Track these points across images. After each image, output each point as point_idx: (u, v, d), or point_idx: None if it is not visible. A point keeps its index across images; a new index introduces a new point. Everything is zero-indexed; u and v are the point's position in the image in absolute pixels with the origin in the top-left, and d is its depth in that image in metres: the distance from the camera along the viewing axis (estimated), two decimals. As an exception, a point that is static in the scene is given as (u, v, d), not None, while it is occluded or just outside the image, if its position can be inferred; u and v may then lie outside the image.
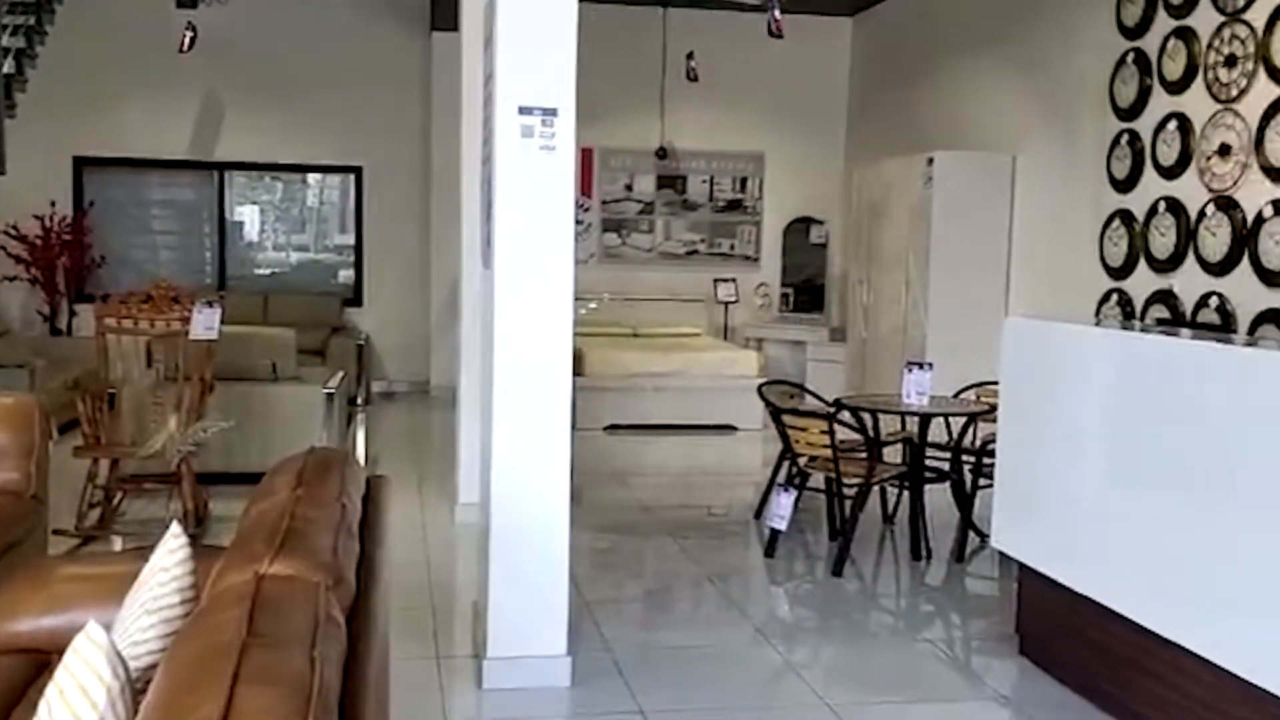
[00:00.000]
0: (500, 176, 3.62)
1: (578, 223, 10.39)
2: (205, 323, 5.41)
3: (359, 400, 8.48)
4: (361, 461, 7.04)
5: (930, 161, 7.94)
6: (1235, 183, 5.68)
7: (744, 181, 10.91)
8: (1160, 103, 6.24)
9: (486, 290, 3.88)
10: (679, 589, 5.14)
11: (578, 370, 8.78)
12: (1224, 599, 3.04)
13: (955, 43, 8.72)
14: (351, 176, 10.67)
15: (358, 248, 10.73)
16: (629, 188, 10.77)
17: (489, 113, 3.82)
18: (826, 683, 3.98)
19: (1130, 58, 6.47)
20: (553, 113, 3.57)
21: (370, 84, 10.35)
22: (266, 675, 1.40)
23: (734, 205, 10.93)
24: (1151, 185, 6.30)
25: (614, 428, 8.85)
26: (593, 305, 10.50)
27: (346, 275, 10.81)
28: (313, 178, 10.85)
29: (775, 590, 5.24)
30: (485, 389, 3.88)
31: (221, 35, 9.59)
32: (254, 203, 10.87)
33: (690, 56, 9.68)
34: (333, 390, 6.58)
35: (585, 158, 10.57)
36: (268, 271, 10.79)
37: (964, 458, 5.62)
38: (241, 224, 10.79)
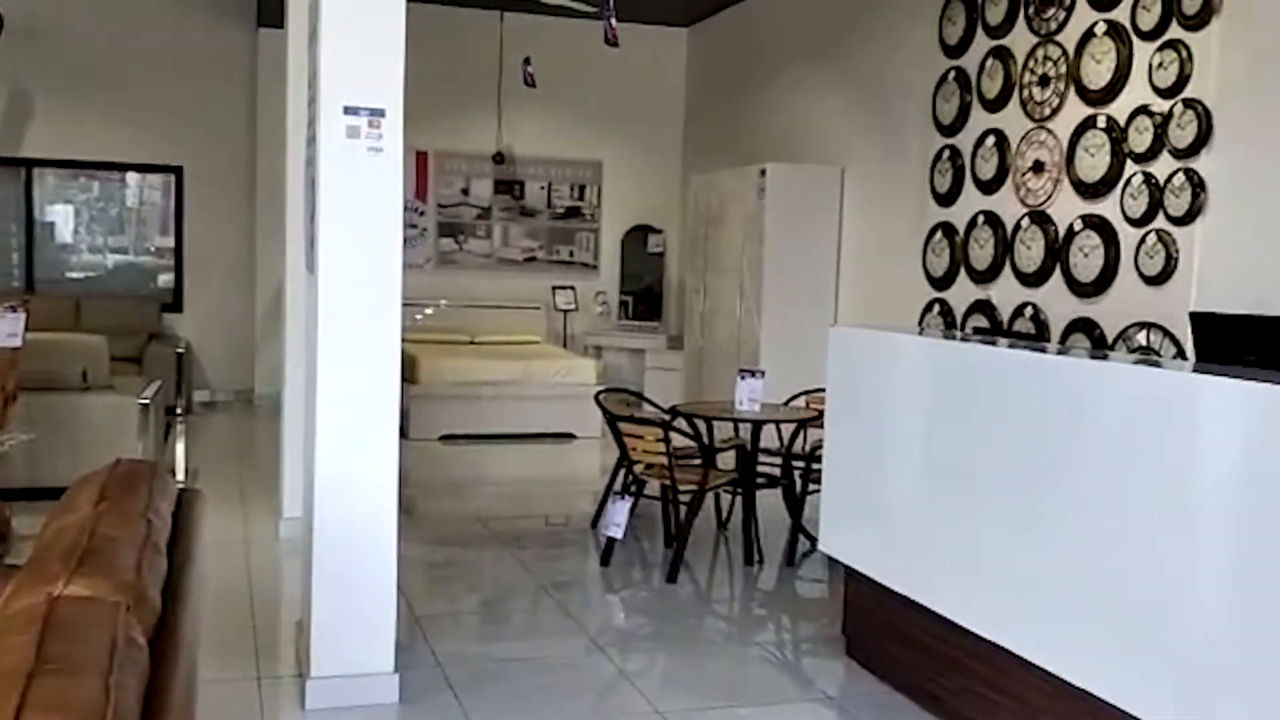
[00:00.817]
0: (324, 178, 3.50)
1: (412, 227, 10.36)
2: (7, 329, 5.08)
3: (178, 410, 8.11)
4: (180, 474, 6.73)
5: (763, 173, 8.08)
6: (1048, 198, 5.95)
7: (582, 189, 10.91)
8: (979, 119, 6.50)
9: (310, 295, 3.75)
10: (514, 601, 5.07)
11: (412, 378, 8.66)
12: (1036, 598, 3.16)
13: (786, 56, 8.91)
14: (172, 176, 10.23)
15: (178, 250, 10.28)
16: (465, 192, 10.64)
17: (314, 112, 3.69)
18: (660, 691, 3.98)
19: (952, 75, 6.72)
20: (380, 113, 3.47)
21: (193, 80, 9.95)
22: (56, 703, 1.32)
23: (573, 212, 10.92)
24: (971, 199, 6.55)
25: (449, 437, 8.71)
26: (428, 311, 10.34)
27: (166, 279, 10.34)
28: (132, 177, 10.34)
29: (611, 599, 5.23)
30: (309, 398, 3.74)
31: (31, 23, 9.07)
32: (67, 202, 10.29)
33: (527, 62, 9.63)
34: (148, 400, 6.27)
35: (420, 161, 10.40)
36: (81, 275, 10.23)
37: (794, 463, 5.72)
38: (53, 224, 10.20)
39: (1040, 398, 3.21)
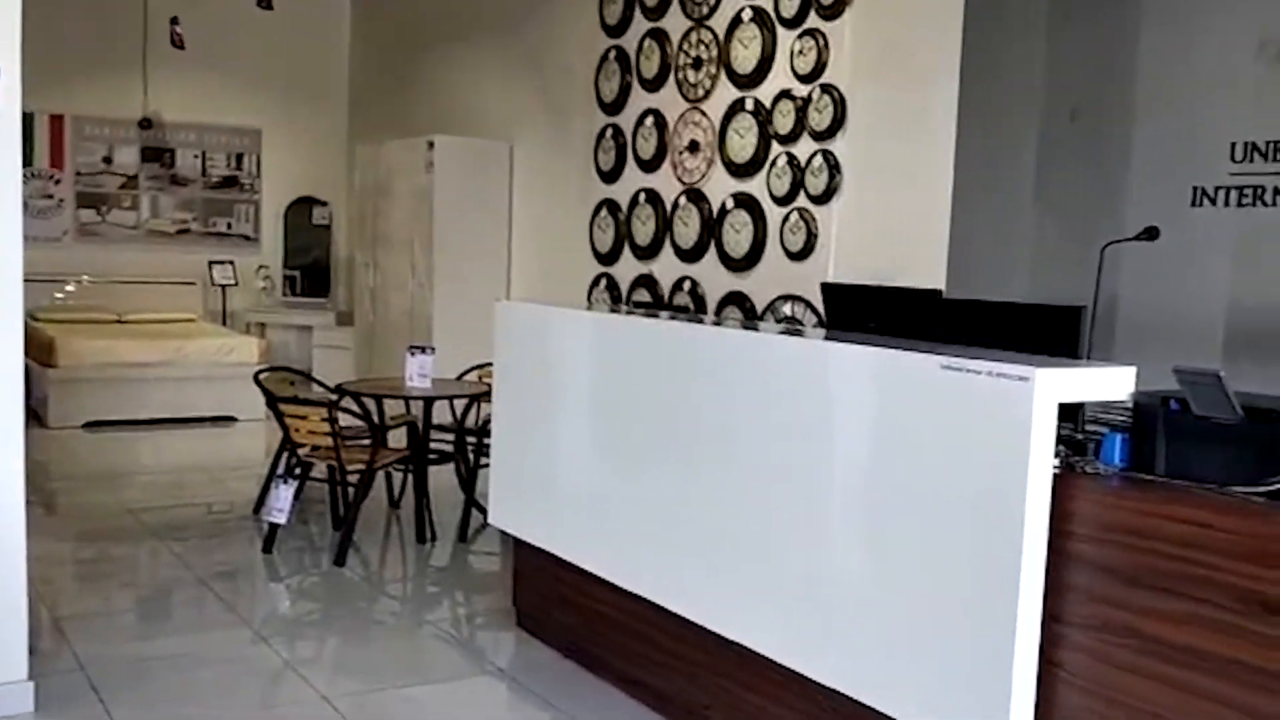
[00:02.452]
0: (-73, 141, 3.14)
1: (47, 197, 9.50)
2: None
3: None
4: None
5: (431, 145, 8.00)
6: (703, 176, 6.23)
7: (240, 157, 10.37)
8: (639, 99, 6.70)
9: (-85, 273, 3.36)
10: (171, 596, 4.79)
11: (49, 361, 7.98)
12: (690, 558, 3.32)
13: (451, 28, 8.82)
14: None
15: None
16: (109, 160, 9.85)
17: (-88, 67, 3.29)
18: (330, 677, 3.89)
19: (612, 55, 6.89)
20: (-8, 71, 3.15)
21: None
22: None
23: (229, 182, 10.36)
24: (633, 177, 6.76)
25: (96, 424, 8.08)
26: (69, 288, 9.54)
27: None
28: None
29: (276, 587, 5.04)
30: (-83, 387, 3.36)
31: None
32: None
33: (175, 22, 9.03)
34: None
35: (55, 126, 9.54)
36: None
37: (468, 438, 5.73)
38: None
39: (695, 367, 3.36)
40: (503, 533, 4.83)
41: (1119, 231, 3.86)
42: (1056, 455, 2.44)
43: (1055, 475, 2.40)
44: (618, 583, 3.61)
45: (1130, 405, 2.51)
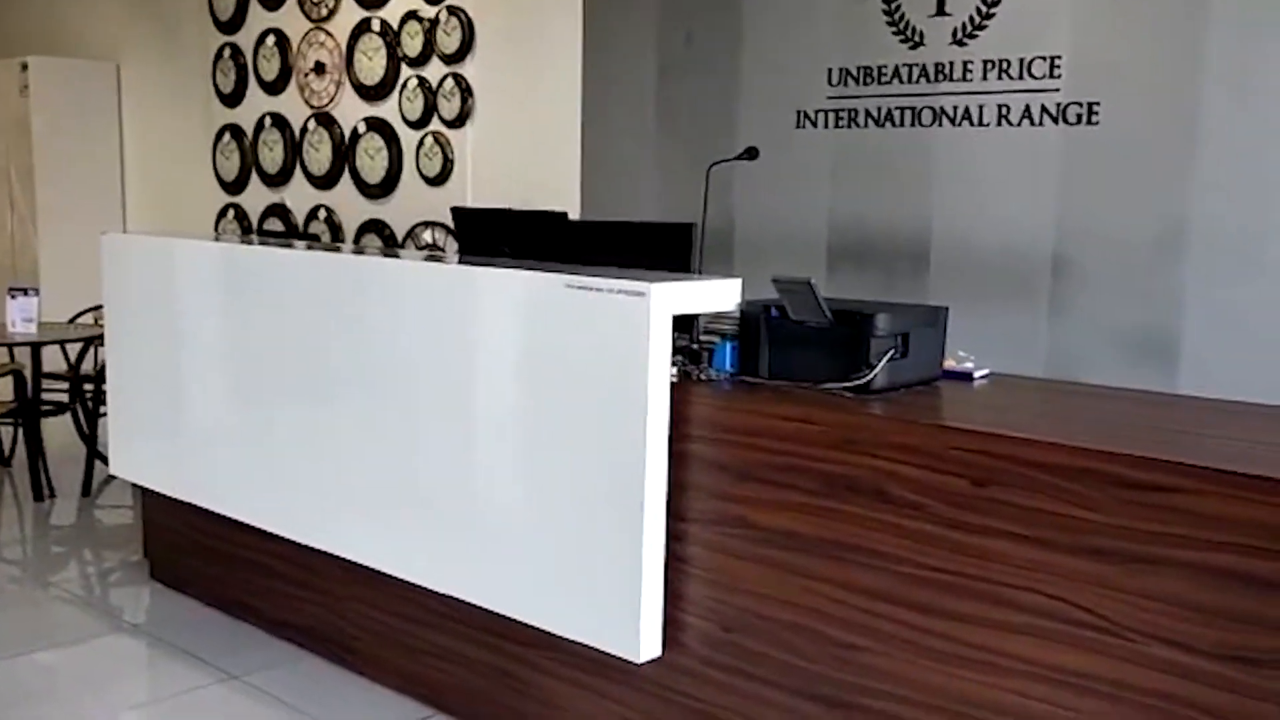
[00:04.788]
0: None
1: None
2: None
3: None
4: None
5: (25, 67, 7.23)
6: (332, 100, 6.02)
7: None
8: (259, 18, 6.35)
9: None
10: None
11: None
12: (332, 491, 3.26)
13: (42, -64, 7.97)
14: None
15: None
16: None
17: None
18: (-65, 655, 3.55)
19: (227, -31, 6.48)
20: None
21: None
22: None
23: None
24: (257, 100, 6.42)
25: None
26: None
27: None
28: None
29: None
30: None
31: None
32: None
33: None
34: None
35: None
36: None
37: (85, 386, 5.32)
38: None
39: (325, 296, 3.27)
40: (133, 484, 4.55)
41: (734, 153, 4.08)
42: (674, 364, 2.58)
43: (673, 383, 2.54)
44: (257, 525, 3.50)
45: (737, 315, 2.70)
